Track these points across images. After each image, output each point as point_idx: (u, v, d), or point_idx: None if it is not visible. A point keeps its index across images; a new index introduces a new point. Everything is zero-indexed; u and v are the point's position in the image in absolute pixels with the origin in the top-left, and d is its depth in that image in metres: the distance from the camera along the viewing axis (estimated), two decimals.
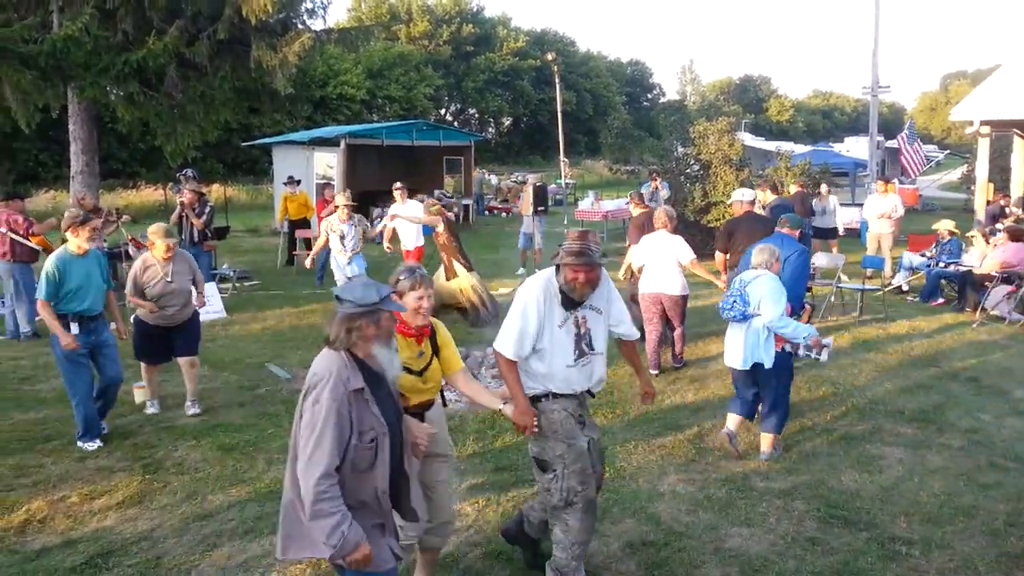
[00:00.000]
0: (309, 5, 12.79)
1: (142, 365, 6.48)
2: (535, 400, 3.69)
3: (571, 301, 3.64)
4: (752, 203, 8.12)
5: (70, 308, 5.69)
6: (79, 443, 5.78)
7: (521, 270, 13.18)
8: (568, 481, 3.63)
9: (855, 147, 30.87)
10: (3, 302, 9.62)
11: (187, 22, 11.08)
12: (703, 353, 8.18)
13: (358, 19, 49.04)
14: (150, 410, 6.53)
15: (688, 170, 15.54)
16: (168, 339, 6.38)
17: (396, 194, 11.07)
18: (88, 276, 5.74)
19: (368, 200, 19.57)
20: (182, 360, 6.48)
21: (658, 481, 5.07)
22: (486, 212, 24.41)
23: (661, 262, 7.47)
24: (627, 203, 9.43)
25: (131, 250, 10.89)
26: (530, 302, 3.62)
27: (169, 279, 6.19)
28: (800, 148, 28.43)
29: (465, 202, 21.81)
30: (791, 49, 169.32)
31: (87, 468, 5.40)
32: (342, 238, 9.17)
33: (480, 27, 55.33)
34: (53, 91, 11.40)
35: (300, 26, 12.46)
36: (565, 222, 12.10)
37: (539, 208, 13.04)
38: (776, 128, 74.03)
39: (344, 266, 9.29)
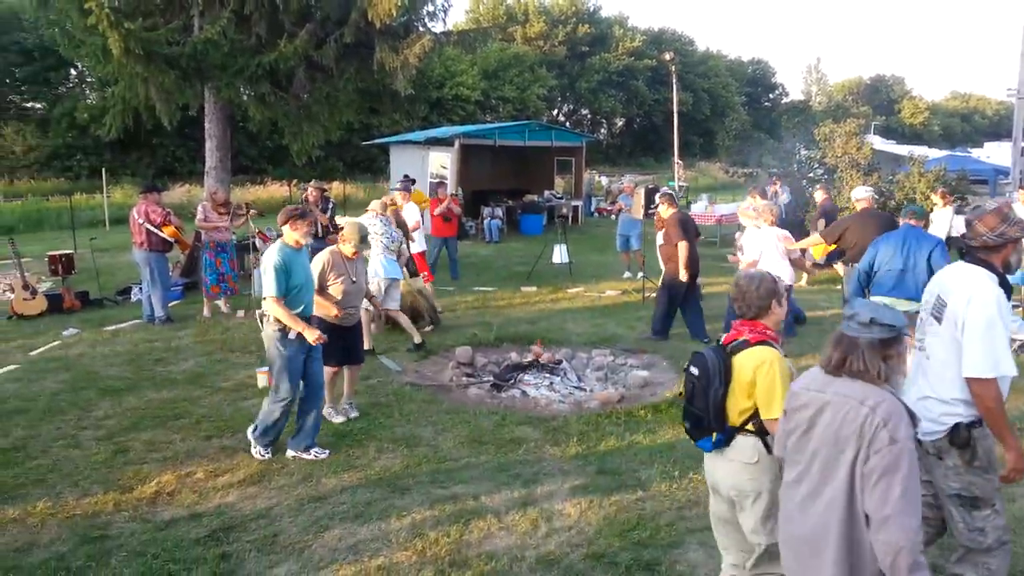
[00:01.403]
0: (430, 8, 12.99)
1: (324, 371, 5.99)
2: (970, 427, 3.26)
3: (1007, 287, 3.37)
4: (868, 201, 8.34)
5: (293, 307, 5.29)
6: (253, 442, 5.52)
7: (627, 273, 13.05)
8: (1001, 518, 3.33)
9: (996, 153, 28.82)
10: (140, 288, 10.33)
11: (316, 26, 11.55)
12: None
13: (476, 21, 49.87)
14: (337, 419, 6.22)
15: (811, 174, 14.96)
16: (344, 340, 6.06)
17: (396, 196, 10.71)
18: (306, 272, 5.45)
19: (480, 199, 19.88)
20: (351, 365, 6.29)
21: None
22: (595, 214, 24.28)
23: (775, 255, 7.97)
24: (657, 204, 9.51)
25: (258, 243, 11.47)
26: (1000, 299, 3.25)
27: (353, 278, 5.97)
28: (935, 153, 26.80)
29: (575, 203, 21.77)
30: (927, 48, 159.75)
31: (212, 447, 5.73)
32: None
33: (596, 27, 55.07)
34: (192, 91, 12.16)
35: (421, 28, 12.74)
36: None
37: (649, 211, 12.85)
38: (909, 131, 70.07)
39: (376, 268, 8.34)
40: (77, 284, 11.15)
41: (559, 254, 14.05)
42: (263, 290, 5.28)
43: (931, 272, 6.38)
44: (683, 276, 8.67)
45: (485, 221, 18.71)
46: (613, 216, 14.55)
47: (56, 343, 8.77)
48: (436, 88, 39.13)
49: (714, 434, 3.21)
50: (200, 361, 8.01)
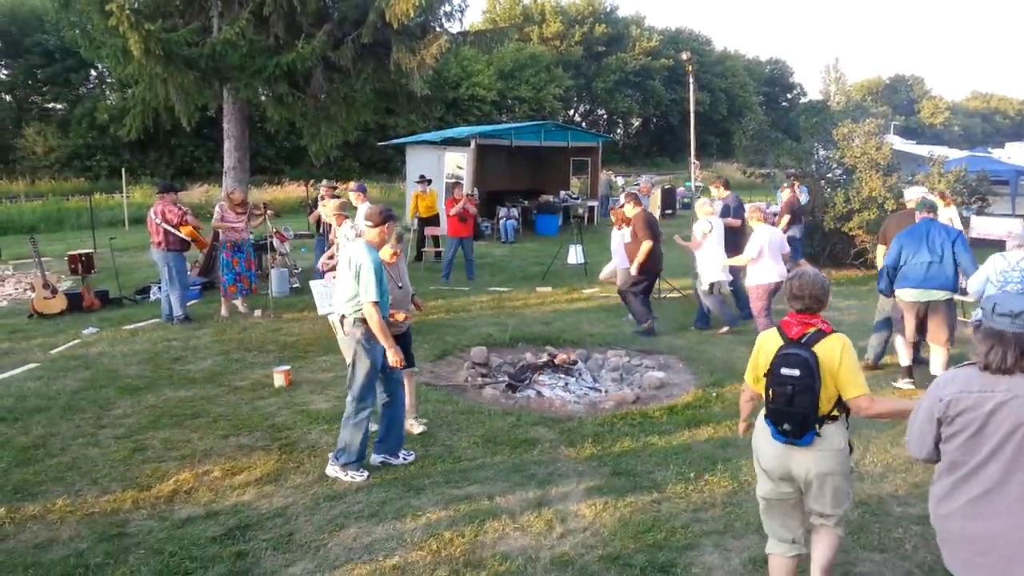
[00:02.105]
0: (447, 8, 12.99)
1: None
2: None
3: None
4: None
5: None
6: (340, 471, 5.16)
7: None
8: None
9: (1018, 153, 28.43)
10: (159, 287, 10.41)
11: (333, 26, 11.59)
12: None
13: (492, 21, 49.96)
14: (418, 430, 5.97)
15: (829, 174, 14.83)
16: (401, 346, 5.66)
17: (352, 196, 10.57)
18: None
19: (495, 199, 19.89)
20: (408, 371, 5.86)
21: None
22: (611, 214, 24.18)
23: (774, 253, 8.32)
24: (622, 204, 9.89)
25: (275, 243, 11.53)
26: None
27: (399, 283, 5.71)
28: (955, 153, 26.49)
29: (590, 204, 21.73)
30: (948, 47, 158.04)
31: (229, 445, 5.77)
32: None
33: (613, 27, 55.05)
34: (211, 91, 12.24)
35: (438, 29, 12.76)
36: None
37: (666, 211, 12.82)
38: (929, 131, 69.48)
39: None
40: (97, 283, 11.26)
41: (574, 255, 14.04)
42: (362, 293, 4.96)
43: (955, 263, 6.77)
44: (633, 271, 9.07)
45: (501, 221, 18.72)
46: None
47: (76, 342, 8.86)
48: (452, 88, 39.26)
49: (817, 426, 3.33)
50: (218, 360, 8.06)
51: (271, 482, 5.13)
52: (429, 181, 15.26)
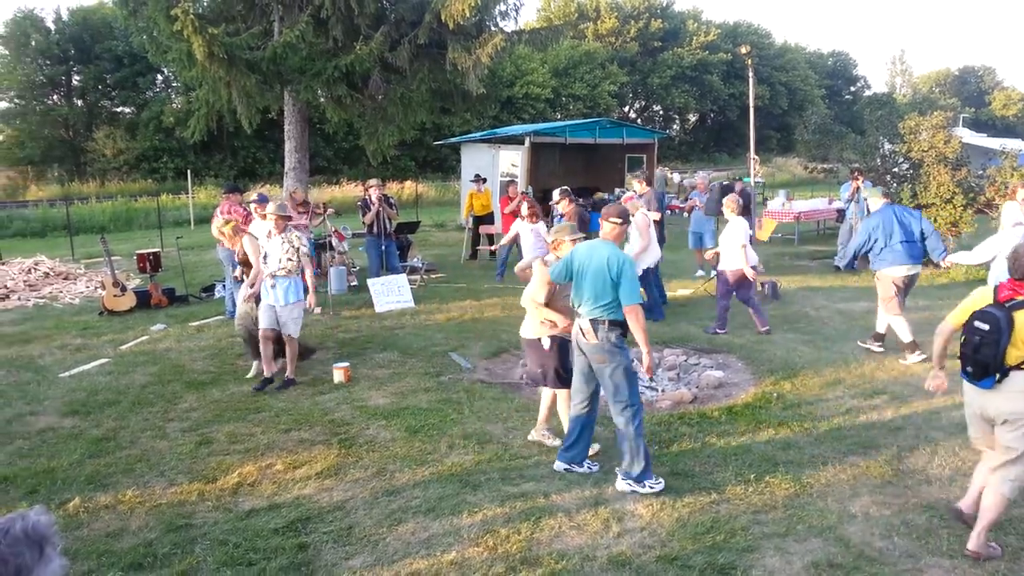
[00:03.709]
0: (502, 7, 13.03)
1: (557, 393, 5.66)
2: None
3: None
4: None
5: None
6: (635, 484, 4.85)
7: (700, 272, 12.83)
8: None
9: None
10: (223, 285, 10.67)
11: (390, 28, 11.74)
12: (904, 371, 7.52)
13: (547, 19, 49.83)
14: (553, 442, 5.64)
15: (895, 169, 14.39)
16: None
17: (253, 209, 9.73)
18: None
19: (550, 197, 19.81)
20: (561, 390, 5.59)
21: (849, 502, 4.74)
22: (667, 211, 23.90)
23: (741, 241, 8.79)
24: (556, 200, 10.42)
25: (334, 242, 11.72)
26: None
27: (567, 292, 5.38)
28: None
29: None
30: (1021, 36, 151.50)
31: (291, 440, 5.89)
32: (265, 257, 7.24)
33: (669, 22, 54.38)
34: (272, 93, 12.52)
35: (493, 28, 12.82)
36: (754, 222, 11.62)
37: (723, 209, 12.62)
38: (1000, 124, 66.87)
39: (267, 288, 7.18)
40: (164, 281, 11.61)
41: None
42: (626, 296, 4.82)
43: (923, 239, 7.72)
44: None
45: (555, 219, 18.66)
46: (686, 214, 14.34)
47: (144, 338, 9.16)
48: (507, 87, 39.31)
49: (997, 374, 3.91)
50: None
51: (331, 476, 5.22)
52: (484, 180, 15.32)
